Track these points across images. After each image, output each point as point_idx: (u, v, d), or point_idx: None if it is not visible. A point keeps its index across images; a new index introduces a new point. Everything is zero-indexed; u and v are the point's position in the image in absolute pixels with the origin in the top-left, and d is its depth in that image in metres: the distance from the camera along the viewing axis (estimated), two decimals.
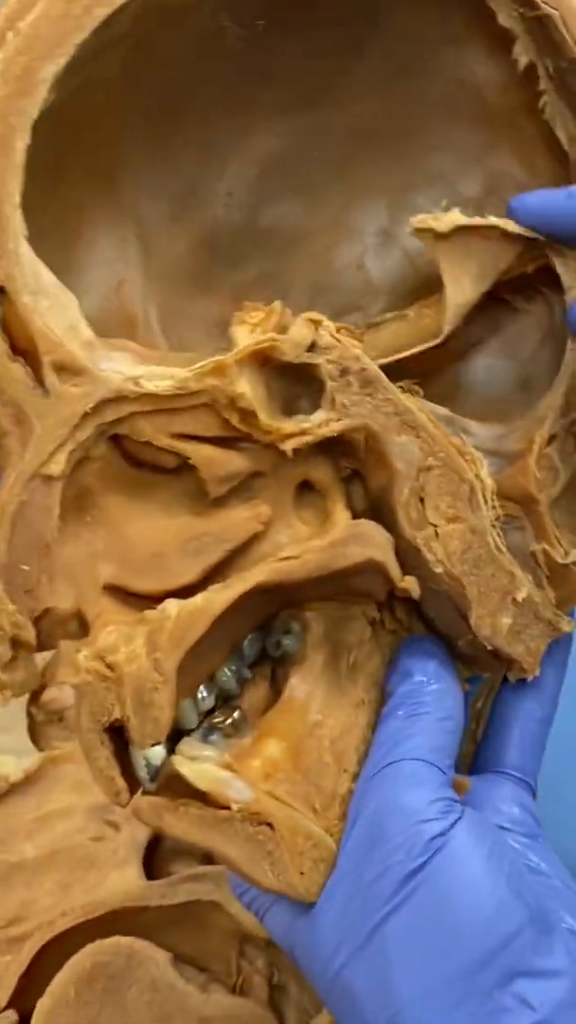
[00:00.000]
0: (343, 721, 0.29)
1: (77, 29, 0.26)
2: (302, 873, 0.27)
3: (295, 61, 0.32)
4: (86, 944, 0.37)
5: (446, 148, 0.34)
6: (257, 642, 0.29)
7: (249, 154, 0.34)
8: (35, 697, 0.28)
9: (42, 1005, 0.35)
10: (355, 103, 0.33)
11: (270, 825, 0.27)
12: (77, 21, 0.26)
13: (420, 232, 0.30)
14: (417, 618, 0.31)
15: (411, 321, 0.32)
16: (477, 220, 0.30)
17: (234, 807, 0.27)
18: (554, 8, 0.29)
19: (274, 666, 0.30)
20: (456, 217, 0.30)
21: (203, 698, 0.28)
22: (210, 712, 0.28)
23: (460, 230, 0.30)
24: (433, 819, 0.27)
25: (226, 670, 0.28)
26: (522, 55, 0.30)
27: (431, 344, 0.31)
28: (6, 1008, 0.35)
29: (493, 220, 0.30)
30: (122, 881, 0.38)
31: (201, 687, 0.28)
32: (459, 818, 0.27)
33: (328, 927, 0.28)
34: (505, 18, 0.30)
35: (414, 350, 0.31)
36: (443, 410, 0.31)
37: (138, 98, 0.30)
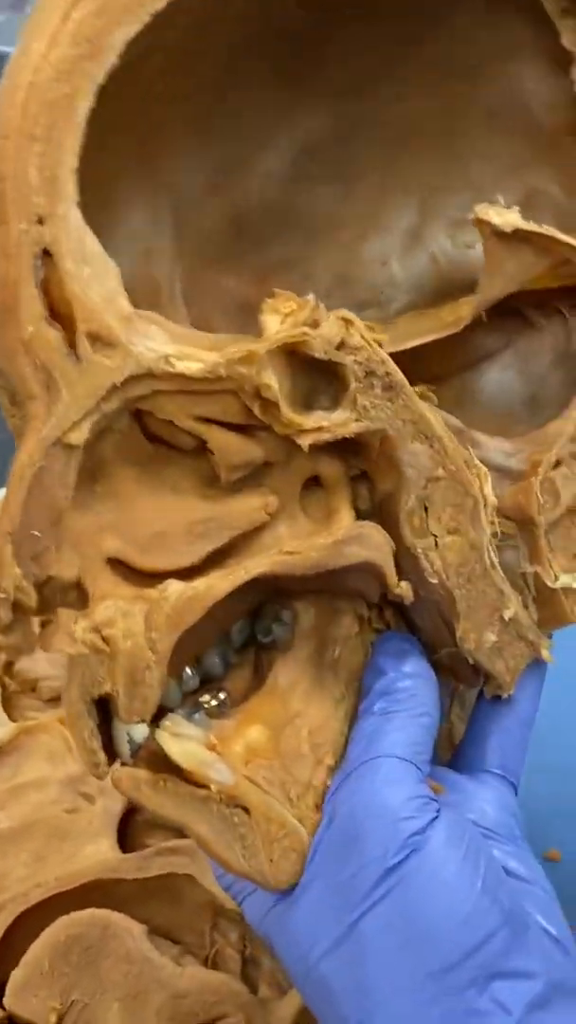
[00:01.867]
0: (322, 714, 0.29)
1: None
2: (272, 860, 0.27)
3: (350, 47, 0.31)
4: (60, 916, 0.37)
5: (487, 157, 0.33)
6: (246, 628, 0.29)
7: (291, 134, 0.33)
8: (8, 667, 0.28)
9: (16, 976, 0.35)
10: (403, 99, 0.32)
11: (246, 809, 0.27)
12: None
13: (480, 223, 0.29)
14: (403, 621, 0.31)
15: (429, 316, 0.32)
16: (534, 226, 0.29)
17: (213, 788, 0.27)
18: None
19: (259, 652, 0.29)
20: (516, 219, 0.29)
21: (188, 678, 0.27)
22: (193, 693, 0.28)
23: (516, 232, 0.29)
24: (410, 817, 0.27)
25: (214, 653, 0.28)
26: (570, 42, 0.29)
27: (451, 332, 0.30)
28: None
29: (548, 229, 0.29)
30: (97, 853, 0.37)
31: (187, 668, 0.27)
32: (436, 817, 0.27)
33: (305, 921, 0.28)
34: (569, 40, 0.29)
35: (431, 337, 0.31)
36: (455, 420, 0.30)
37: (193, 67, 0.29)
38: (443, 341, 0.31)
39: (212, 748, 0.27)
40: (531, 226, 0.29)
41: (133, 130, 0.29)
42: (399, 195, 0.34)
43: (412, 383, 0.29)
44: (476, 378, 0.33)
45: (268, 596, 0.29)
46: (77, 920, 0.35)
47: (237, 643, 0.29)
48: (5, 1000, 0.35)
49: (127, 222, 0.30)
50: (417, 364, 0.30)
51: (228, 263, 0.33)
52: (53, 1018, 0.33)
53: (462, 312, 0.30)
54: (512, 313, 0.32)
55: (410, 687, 0.29)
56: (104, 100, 0.25)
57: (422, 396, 0.30)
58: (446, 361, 0.32)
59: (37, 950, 0.35)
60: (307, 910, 0.28)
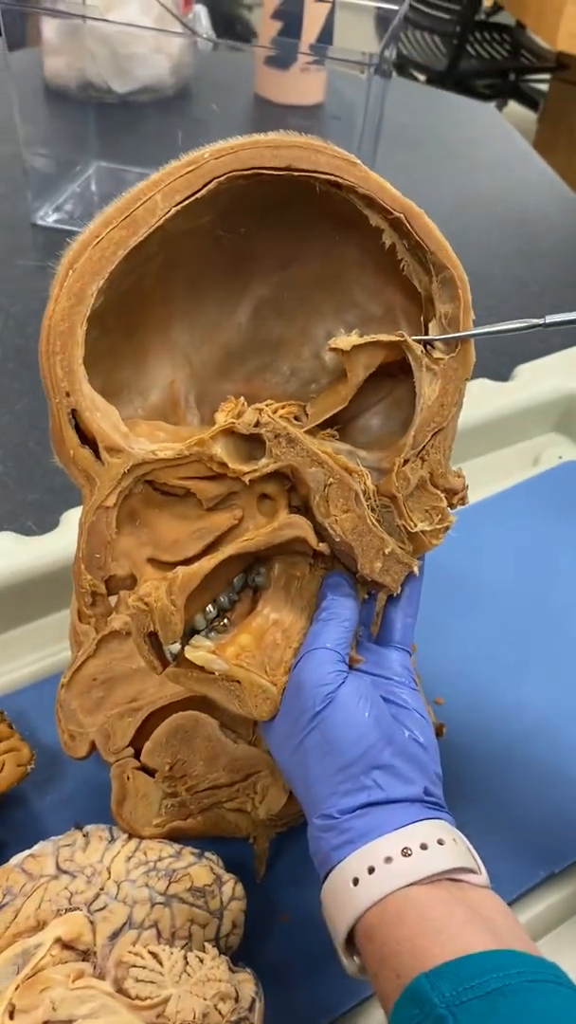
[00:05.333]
0: (291, 618, 0.45)
1: (109, 261, 0.40)
2: (256, 706, 0.43)
3: (270, 245, 0.49)
4: (172, 715, 0.51)
5: (359, 287, 0.50)
6: (242, 579, 0.47)
7: (249, 300, 0.50)
8: (99, 624, 0.46)
9: (147, 746, 0.51)
10: (307, 264, 0.50)
11: (239, 682, 0.43)
12: (108, 260, 0.40)
13: (334, 349, 0.47)
14: (336, 561, 0.47)
15: (334, 392, 0.49)
16: (363, 339, 0.47)
17: (217, 673, 0.42)
18: (400, 212, 0.45)
19: (253, 591, 0.47)
20: (352, 339, 0.46)
21: (209, 611, 0.45)
22: (214, 619, 0.46)
23: (355, 346, 0.47)
24: (329, 683, 0.41)
25: (223, 596, 0.46)
26: (386, 239, 0.46)
27: (342, 406, 0.48)
28: (128, 746, 0.51)
29: (370, 338, 0.46)
30: None
31: (209, 605, 0.45)
32: (343, 682, 0.41)
33: (277, 737, 0.43)
34: (374, 220, 0.46)
35: (334, 411, 0.48)
36: (346, 446, 0.47)
37: (174, 281, 0.48)
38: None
39: (213, 652, 0.43)
40: (362, 340, 0.46)
41: (149, 317, 0.48)
42: (318, 316, 0.51)
43: (325, 427, 0.48)
44: (370, 417, 0.49)
45: (252, 561, 0.47)
46: (181, 716, 0.49)
47: (237, 587, 0.46)
48: (141, 757, 0.51)
49: (158, 369, 0.49)
50: (330, 420, 0.49)
51: (225, 375, 0.51)
52: (167, 767, 0.49)
53: (348, 391, 0.48)
54: (388, 374, 0.49)
55: (338, 605, 0.45)
56: (123, 306, 0.44)
57: (327, 436, 0.48)
58: (348, 412, 0.48)
59: (158, 732, 0.49)
60: (277, 732, 0.42)
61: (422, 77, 2.89)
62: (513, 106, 3.18)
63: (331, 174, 0.44)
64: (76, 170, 1.25)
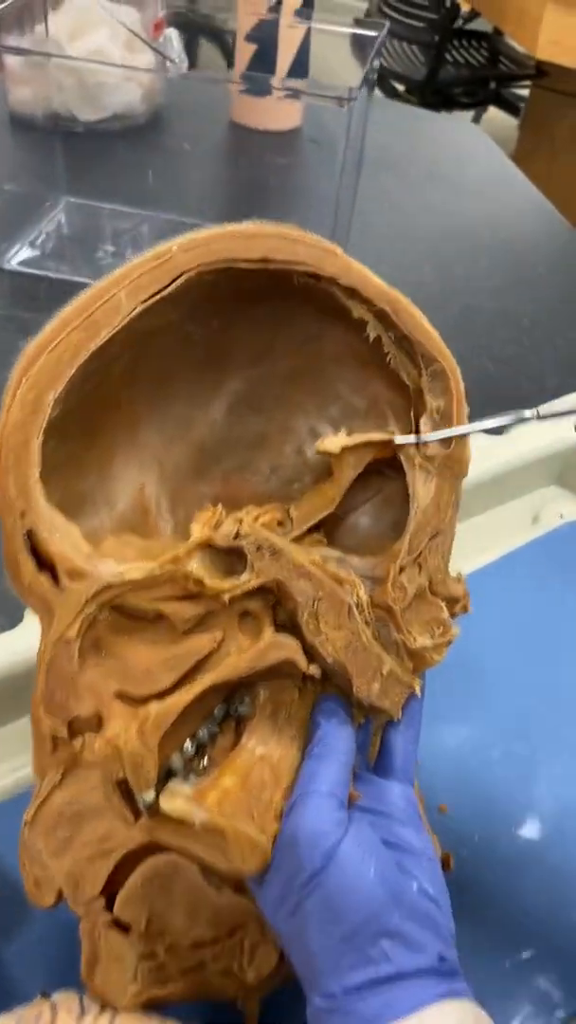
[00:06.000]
0: (281, 751, 0.40)
1: (68, 367, 0.37)
2: (243, 860, 0.37)
3: (245, 338, 0.45)
4: (147, 857, 0.44)
5: (342, 380, 0.46)
6: (223, 708, 0.41)
7: (224, 396, 0.47)
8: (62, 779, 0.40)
9: (120, 896, 0.44)
10: (283, 359, 0.46)
11: (222, 833, 0.37)
12: (66, 366, 0.37)
13: (322, 451, 0.43)
14: (328, 681, 0.42)
15: (320, 493, 0.45)
16: (352, 440, 0.42)
17: (197, 825, 0.37)
18: (384, 304, 0.41)
19: (236, 721, 0.42)
20: (341, 440, 0.42)
21: (187, 749, 0.40)
22: (192, 757, 0.40)
23: (343, 448, 0.43)
24: (328, 836, 0.36)
25: (202, 728, 0.40)
26: (371, 332, 0.42)
27: (330, 510, 0.44)
28: (100, 895, 0.44)
29: (359, 438, 0.42)
30: None
31: (186, 742, 0.40)
32: (345, 833, 0.36)
33: (270, 898, 0.37)
34: (357, 312, 0.42)
35: (321, 515, 0.44)
36: (336, 552, 0.43)
37: (141, 380, 0.44)
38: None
39: (192, 801, 0.37)
40: (351, 440, 0.42)
41: (115, 419, 0.44)
42: (299, 411, 0.47)
43: (312, 532, 0.43)
44: (359, 516, 0.45)
45: (235, 687, 0.41)
46: (158, 861, 0.43)
47: (219, 718, 0.41)
48: (115, 909, 0.44)
49: (124, 474, 0.45)
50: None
51: (200, 476, 0.47)
52: (143, 922, 0.43)
53: (335, 492, 0.44)
54: (377, 471, 0.45)
55: (333, 736, 0.40)
56: (85, 410, 0.40)
57: (315, 543, 0.44)
58: (335, 512, 0.44)
59: (133, 880, 0.43)
60: (270, 890, 0.37)
61: (401, 87, 2.86)
62: (493, 112, 3.13)
63: (310, 265, 0.40)
64: (45, 206, 1.15)
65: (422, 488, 0.42)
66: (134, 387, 0.44)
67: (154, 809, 0.39)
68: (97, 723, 0.39)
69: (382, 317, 0.42)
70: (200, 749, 0.41)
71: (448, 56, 2.81)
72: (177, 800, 0.38)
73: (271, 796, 0.39)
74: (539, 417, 0.41)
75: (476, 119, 3.13)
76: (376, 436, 0.42)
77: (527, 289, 1.21)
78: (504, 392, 0.99)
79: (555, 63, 2.08)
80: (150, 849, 0.46)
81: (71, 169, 1.17)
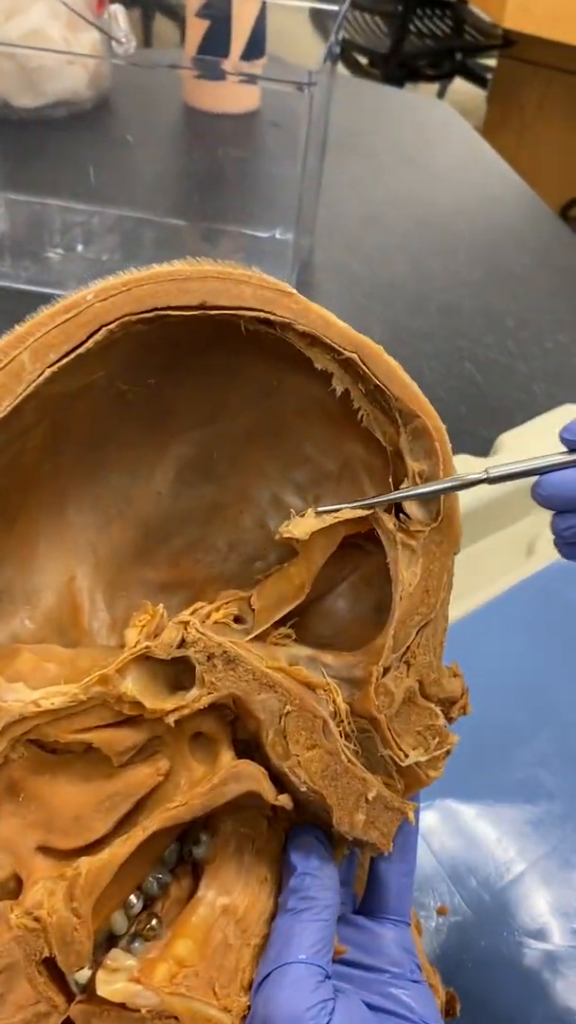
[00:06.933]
0: (250, 897, 0.33)
1: None
2: None
3: (189, 396, 0.38)
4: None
5: (308, 439, 0.38)
6: (175, 850, 0.34)
7: (169, 462, 0.39)
8: None
9: None
10: (238, 416, 0.39)
11: (176, 1018, 0.30)
12: None
13: (287, 538, 0.35)
14: (303, 809, 0.35)
15: (286, 577, 0.37)
16: (320, 523, 0.35)
17: (143, 1011, 0.30)
18: (351, 351, 0.34)
19: (193, 865, 0.34)
20: (309, 522, 0.35)
21: (132, 904, 0.32)
22: (140, 912, 0.33)
23: (312, 533, 0.35)
24: (312, 1020, 0.29)
25: (151, 878, 0.33)
26: (338, 384, 0.34)
27: (299, 599, 0.36)
28: None
29: (330, 519, 0.35)
30: None
31: (132, 896, 0.32)
32: (330, 1018, 0.30)
33: None
34: (320, 363, 0.34)
35: (287, 608, 0.36)
36: (306, 650, 0.35)
37: (65, 451, 0.36)
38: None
39: (136, 980, 0.30)
40: (320, 523, 0.35)
41: (37, 498, 0.36)
42: (259, 477, 0.39)
43: (278, 625, 0.36)
44: (334, 599, 0.38)
45: (189, 825, 0.34)
46: None
47: (171, 863, 0.34)
48: None
49: (50, 563, 0.37)
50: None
51: (143, 560, 0.39)
52: None
53: (304, 577, 0.36)
54: (354, 544, 0.37)
55: (312, 881, 0.33)
56: (9, 491, 0.33)
57: (281, 638, 0.36)
58: (310, 596, 0.37)
59: None
60: None
61: (364, 60, 2.73)
62: (459, 83, 3.01)
63: (259, 310, 0.32)
64: None
65: (406, 571, 0.35)
66: (57, 459, 0.37)
67: (90, 991, 0.31)
68: (15, 888, 0.31)
69: (349, 366, 0.34)
70: (149, 903, 0.33)
71: (411, 27, 2.68)
72: (118, 981, 0.31)
73: (236, 961, 0.32)
74: (490, 480, 0.34)
75: (442, 92, 3.04)
76: (349, 514, 0.35)
77: (510, 284, 1.11)
78: (490, 402, 0.91)
79: (522, 32, 2.01)
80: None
81: (9, 161, 1.06)
